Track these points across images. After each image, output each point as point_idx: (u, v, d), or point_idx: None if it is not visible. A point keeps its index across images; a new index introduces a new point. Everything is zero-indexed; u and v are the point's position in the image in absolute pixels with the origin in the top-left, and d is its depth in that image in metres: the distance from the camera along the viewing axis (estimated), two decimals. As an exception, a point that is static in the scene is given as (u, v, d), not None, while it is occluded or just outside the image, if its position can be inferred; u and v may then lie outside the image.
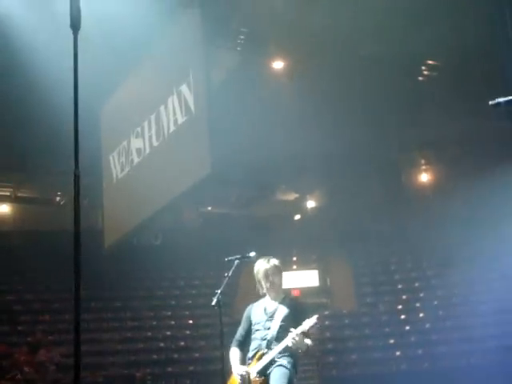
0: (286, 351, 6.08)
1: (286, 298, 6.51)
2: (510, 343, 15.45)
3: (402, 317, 18.99)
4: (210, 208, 22.62)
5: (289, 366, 6.07)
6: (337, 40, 14.46)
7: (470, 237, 16.98)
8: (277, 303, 6.42)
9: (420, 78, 16.57)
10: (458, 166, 19.20)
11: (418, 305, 19.17)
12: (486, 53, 12.99)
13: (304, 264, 22.97)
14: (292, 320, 6.18)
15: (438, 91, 16.29)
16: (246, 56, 15.32)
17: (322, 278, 22.74)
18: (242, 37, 14.94)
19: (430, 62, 16.04)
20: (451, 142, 18.74)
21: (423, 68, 16.26)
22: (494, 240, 16.00)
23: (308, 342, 6.09)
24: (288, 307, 6.32)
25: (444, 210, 18.46)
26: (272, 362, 6.15)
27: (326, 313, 20.93)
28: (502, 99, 3.98)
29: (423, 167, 21.57)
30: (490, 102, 3.98)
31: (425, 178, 21.76)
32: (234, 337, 6.77)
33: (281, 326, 6.23)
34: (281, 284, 6.56)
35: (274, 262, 6.53)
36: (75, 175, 3.39)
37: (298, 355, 6.18)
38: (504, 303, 16.64)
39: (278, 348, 6.12)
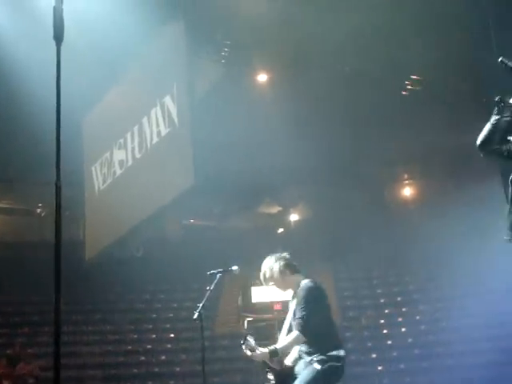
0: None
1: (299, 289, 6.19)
2: (493, 358, 15.44)
3: (385, 331, 18.95)
4: (192, 220, 22.52)
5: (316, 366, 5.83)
6: (321, 54, 14.48)
7: (452, 251, 16.98)
8: (292, 298, 6.26)
9: (404, 93, 16.62)
10: (441, 181, 19.26)
11: (400, 319, 19.14)
12: (469, 68, 13.04)
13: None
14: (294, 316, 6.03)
15: (422, 106, 16.34)
16: (230, 68, 15.31)
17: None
18: (226, 49, 14.94)
19: (414, 76, 16.10)
20: (435, 156, 18.79)
21: (407, 83, 16.31)
22: (477, 255, 16.01)
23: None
24: (296, 299, 6.12)
25: (427, 224, 18.48)
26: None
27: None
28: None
29: (406, 182, 21.61)
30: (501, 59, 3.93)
31: (408, 192, 21.79)
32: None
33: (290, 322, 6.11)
34: (283, 285, 6.31)
35: (266, 264, 6.32)
36: (57, 186, 3.32)
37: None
38: (487, 318, 16.65)
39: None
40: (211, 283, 6.83)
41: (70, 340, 18.04)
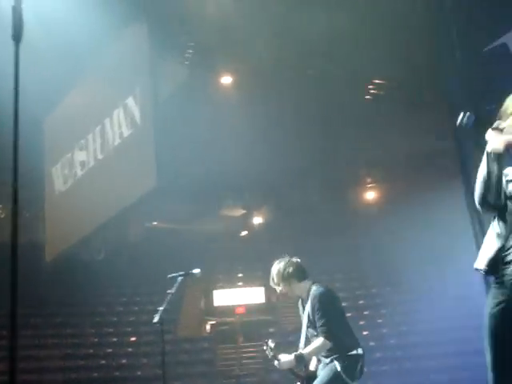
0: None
1: (309, 295, 6.15)
2: (451, 362, 15.61)
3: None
4: (155, 223, 22.37)
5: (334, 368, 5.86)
6: (285, 57, 14.48)
7: (415, 255, 17.11)
8: (302, 303, 6.26)
9: (367, 97, 16.70)
10: (404, 184, 19.37)
11: (362, 323, 19.22)
12: (433, 72, 13.14)
13: (250, 281, 22.89)
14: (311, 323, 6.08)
15: (385, 110, 16.44)
16: (194, 70, 15.24)
17: (267, 294, 22.69)
18: (189, 51, 14.87)
19: (378, 80, 16.20)
20: (398, 160, 18.91)
21: (370, 87, 16.40)
22: (439, 259, 16.17)
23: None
24: (308, 308, 6.11)
25: (390, 228, 18.58)
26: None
27: (271, 330, 20.89)
28: (464, 118, 3.99)
29: (369, 185, 21.72)
30: (459, 118, 3.98)
31: (371, 195, 21.90)
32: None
33: (307, 331, 6.16)
34: (290, 291, 6.25)
35: (275, 266, 6.33)
36: (14, 188, 3.23)
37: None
38: (450, 322, 16.82)
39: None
40: (173, 286, 6.77)
41: (29, 344, 17.81)
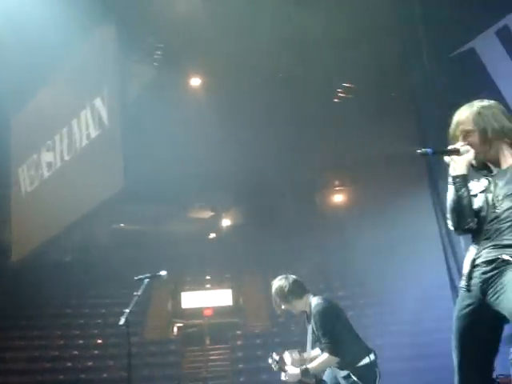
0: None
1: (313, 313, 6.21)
2: (420, 365, 15.72)
3: (314, 337, 19.08)
4: (123, 225, 22.27)
5: None
6: (254, 60, 14.49)
7: (381, 258, 17.21)
8: (307, 318, 6.31)
9: (336, 100, 16.78)
10: (371, 188, 19.49)
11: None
12: (401, 76, 13.24)
13: (218, 283, 22.88)
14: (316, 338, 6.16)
15: (354, 113, 16.52)
16: (163, 71, 15.19)
17: (235, 297, 22.71)
18: (158, 52, 14.81)
19: (347, 84, 16.28)
20: (366, 163, 19.01)
21: (339, 90, 16.48)
22: (406, 262, 16.26)
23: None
24: (312, 321, 6.18)
25: (357, 231, 18.69)
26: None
27: (239, 332, 20.88)
28: (429, 150, 4.08)
29: (337, 188, 21.82)
30: (418, 151, 4.06)
31: (339, 198, 21.99)
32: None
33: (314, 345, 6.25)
34: (292, 308, 6.34)
35: (274, 286, 6.39)
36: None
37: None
38: (415, 325, 16.95)
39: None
40: (139, 289, 6.74)
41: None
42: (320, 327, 6.02)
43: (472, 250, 3.89)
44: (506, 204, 3.80)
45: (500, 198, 3.82)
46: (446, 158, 4.01)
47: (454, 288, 10.40)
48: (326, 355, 5.97)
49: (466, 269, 3.88)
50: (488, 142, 3.95)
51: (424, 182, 10.46)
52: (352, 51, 13.82)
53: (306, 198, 21.13)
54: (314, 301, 6.15)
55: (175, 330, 22.62)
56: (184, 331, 22.43)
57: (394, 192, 17.47)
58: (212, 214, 22.89)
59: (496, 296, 3.70)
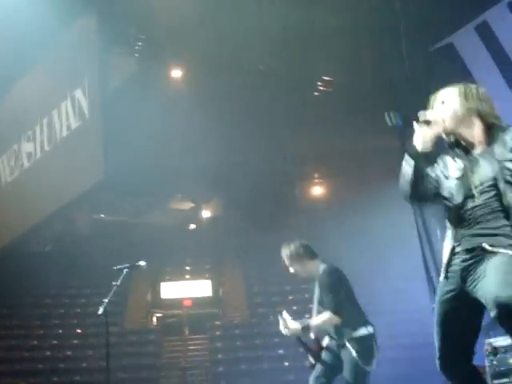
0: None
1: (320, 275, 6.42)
2: (394, 355, 15.87)
3: (292, 327, 19.20)
4: (103, 215, 22.27)
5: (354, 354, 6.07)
6: (236, 52, 14.53)
7: (359, 250, 17.37)
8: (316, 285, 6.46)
9: (315, 93, 16.87)
10: (350, 180, 19.60)
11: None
12: (380, 70, 13.37)
13: (197, 274, 22.96)
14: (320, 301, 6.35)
15: (333, 106, 16.62)
16: (144, 63, 15.19)
17: (214, 288, 22.81)
18: (139, 43, 14.81)
19: (326, 77, 16.36)
20: (344, 156, 19.13)
21: (318, 83, 16.56)
22: (383, 253, 16.42)
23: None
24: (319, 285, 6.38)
25: (335, 223, 18.81)
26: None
27: (218, 323, 20.99)
28: (399, 116, 4.06)
29: (316, 180, 21.92)
30: (387, 117, 4.04)
31: (318, 191, 22.09)
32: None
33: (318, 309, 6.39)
34: (303, 270, 6.51)
35: (285, 251, 6.57)
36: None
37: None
38: (391, 315, 17.12)
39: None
40: (118, 279, 6.83)
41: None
42: (325, 288, 6.19)
43: (450, 237, 3.94)
44: (484, 193, 3.83)
45: (477, 184, 3.85)
46: (415, 126, 4.04)
47: (430, 278, 10.59)
48: (328, 313, 6.11)
49: (445, 256, 3.95)
50: (461, 119, 3.96)
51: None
52: (332, 44, 13.89)
53: (286, 191, 21.22)
54: (322, 266, 6.32)
55: (154, 320, 22.69)
56: (163, 321, 22.51)
57: (372, 184, 17.63)
58: (192, 205, 22.93)
59: (474, 284, 3.78)
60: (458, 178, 3.93)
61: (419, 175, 3.98)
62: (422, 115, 3.99)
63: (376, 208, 16.32)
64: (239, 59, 14.97)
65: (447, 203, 3.98)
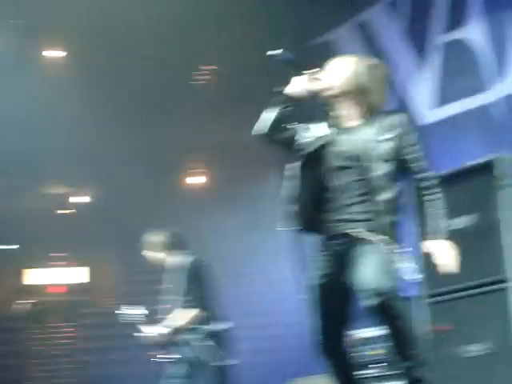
0: None
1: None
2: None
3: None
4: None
5: None
6: (116, 36, 14.25)
7: (238, 242, 17.48)
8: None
9: (198, 82, 16.82)
10: (230, 173, 19.66)
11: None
12: (262, 62, 13.44)
13: (69, 260, 22.46)
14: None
15: (215, 96, 16.63)
16: (22, 44, 14.68)
17: (87, 275, 22.41)
18: (18, 22, 14.30)
19: (209, 66, 16.35)
20: (228, 146, 19.15)
21: (201, 72, 16.52)
22: (267, 247, 16.54)
23: None
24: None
25: (215, 216, 18.82)
26: None
27: (87, 311, 20.63)
28: (286, 55, 3.99)
29: (197, 170, 21.83)
30: (269, 52, 3.98)
31: (198, 180, 21.97)
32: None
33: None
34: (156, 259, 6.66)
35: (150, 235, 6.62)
36: None
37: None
38: (265, 317, 17.35)
39: None
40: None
41: None
42: (182, 282, 6.06)
43: (318, 219, 3.89)
44: (345, 175, 3.82)
45: (340, 164, 3.84)
46: (300, 75, 3.98)
47: (299, 280, 10.72)
48: (191, 311, 6.00)
49: (316, 240, 3.94)
50: (346, 92, 3.95)
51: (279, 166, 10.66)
52: (213, 34, 13.87)
53: (166, 179, 21.02)
54: (181, 257, 6.20)
55: (20, 306, 22.00)
56: (30, 308, 21.85)
57: (252, 178, 17.76)
58: (67, 190, 22.34)
59: (345, 270, 3.80)
60: (320, 147, 3.91)
61: (282, 117, 3.94)
62: (315, 71, 3.98)
63: (262, 202, 16.31)
64: (120, 44, 14.72)
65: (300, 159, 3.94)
